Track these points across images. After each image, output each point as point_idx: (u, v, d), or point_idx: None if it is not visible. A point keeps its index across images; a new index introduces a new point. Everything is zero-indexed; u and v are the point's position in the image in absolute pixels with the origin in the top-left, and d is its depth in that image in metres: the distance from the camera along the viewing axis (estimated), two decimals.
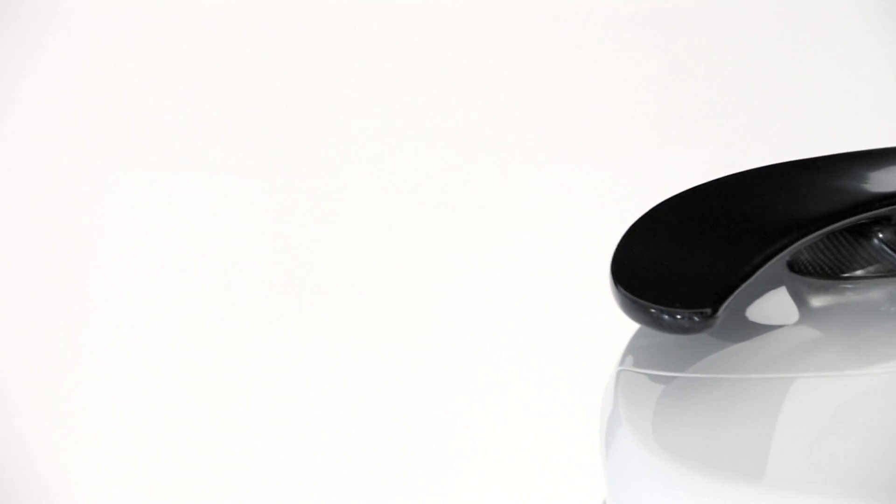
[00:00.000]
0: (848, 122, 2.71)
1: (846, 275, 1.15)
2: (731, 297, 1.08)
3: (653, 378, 1.19)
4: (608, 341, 1.33)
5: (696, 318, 1.15)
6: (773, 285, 1.15)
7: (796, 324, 1.20)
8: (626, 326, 1.20)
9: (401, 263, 2.52)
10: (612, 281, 1.10)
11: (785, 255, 1.09)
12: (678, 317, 1.15)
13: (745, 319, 1.19)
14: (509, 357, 2.36)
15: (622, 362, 1.20)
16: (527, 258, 2.49)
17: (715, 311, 1.09)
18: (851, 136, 2.64)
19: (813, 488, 1.19)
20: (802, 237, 1.09)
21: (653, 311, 1.11)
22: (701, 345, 1.20)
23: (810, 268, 1.15)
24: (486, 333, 2.40)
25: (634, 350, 1.21)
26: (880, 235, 1.14)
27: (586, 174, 2.68)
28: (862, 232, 1.14)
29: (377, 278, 2.49)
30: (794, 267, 1.15)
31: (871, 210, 1.11)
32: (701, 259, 1.10)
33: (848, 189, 1.12)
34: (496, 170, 2.65)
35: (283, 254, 2.52)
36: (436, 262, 2.50)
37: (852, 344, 1.19)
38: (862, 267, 1.15)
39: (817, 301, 1.17)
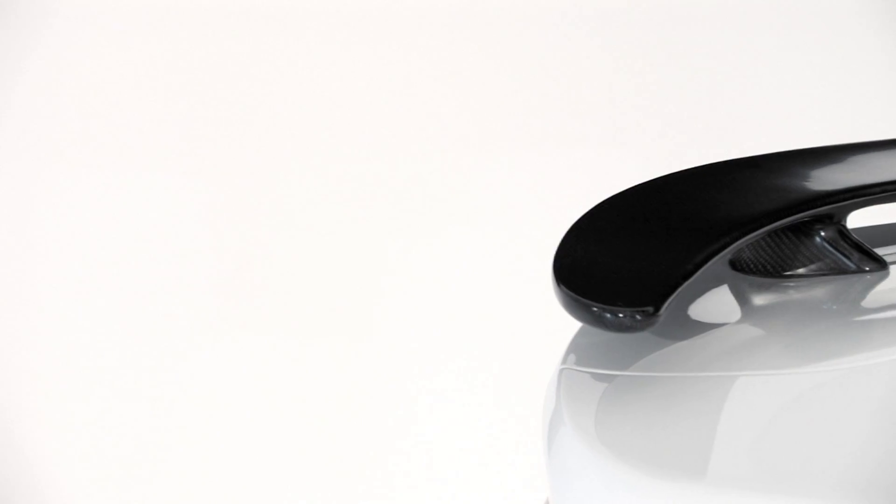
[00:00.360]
0: (793, 120, 2.72)
1: (788, 273, 1.15)
2: (674, 296, 1.08)
3: (595, 377, 1.19)
4: (550, 340, 1.32)
5: (639, 317, 1.15)
6: (716, 283, 1.16)
7: (738, 322, 1.20)
8: (569, 325, 1.20)
9: (346, 260, 2.51)
10: (555, 279, 1.09)
11: (727, 253, 1.09)
12: (620, 315, 1.15)
13: (688, 318, 1.20)
14: (451, 356, 2.36)
15: (564, 361, 1.20)
16: (469, 257, 2.49)
17: (657, 309, 1.09)
18: (798, 134, 2.66)
19: (755, 486, 1.19)
20: (744, 235, 1.09)
21: (595, 309, 1.10)
22: (643, 343, 1.20)
23: (752, 266, 1.15)
24: (429, 333, 2.40)
25: (577, 349, 1.20)
26: (822, 233, 1.15)
27: (528, 173, 2.69)
28: (804, 230, 1.15)
29: (322, 276, 2.48)
30: (737, 265, 1.15)
31: (812, 208, 1.11)
32: (643, 257, 1.10)
33: (790, 187, 1.12)
34: (439, 168, 2.64)
35: (227, 252, 2.50)
36: (381, 260, 2.50)
37: (794, 342, 1.20)
38: (804, 265, 1.16)
39: (759, 299, 1.17)
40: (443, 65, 2.76)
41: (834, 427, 1.20)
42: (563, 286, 1.09)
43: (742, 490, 1.18)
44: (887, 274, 1.16)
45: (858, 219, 1.19)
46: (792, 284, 1.16)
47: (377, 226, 2.54)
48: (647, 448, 1.19)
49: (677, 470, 1.20)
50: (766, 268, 1.16)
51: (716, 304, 1.17)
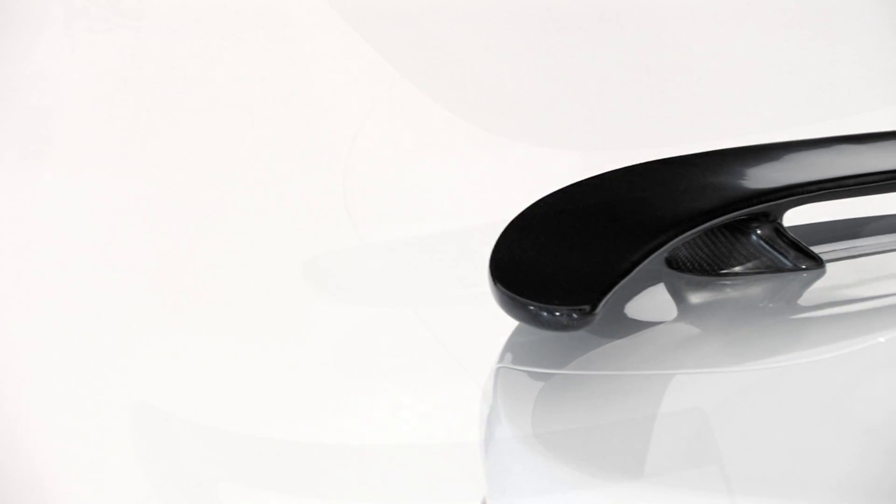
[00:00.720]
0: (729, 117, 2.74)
1: (724, 271, 1.15)
2: (610, 295, 1.08)
3: (532, 375, 1.18)
4: (487, 339, 1.31)
5: (575, 316, 1.15)
6: (652, 282, 1.15)
7: (675, 320, 1.20)
8: (506, 324, 1.19)
9: (281, 258, 2.49)
10: (491, 278, 1.08)
11: (663, 251, 1.09)
12: (557, 314, 1.15)
13: (624, 316, 1.19)
14: (389, 354, 2.35)
15: (501, 360, 1.19)
16: (405, 255, 2.48)
17: (593, 308, 1.09)
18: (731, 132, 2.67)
19: (692, 483, 1.20)
20: (680, 234, 1.09)
21: (531, 308, 1.10)
22: (580, 342, 1.20)
23: (689, 264, 1.15)
24: (366, 330, 2.38)
25: (513, 347, 1.20)
26: (758, 232, 1.15)
27: (465, 171, 2.68)
28: (740, 228, 1.15)
29: (256, 277, 2.46)
30: (673, 263, 1.15)
31: (748, 207, 1.11)
32: (579, 256, 1.09)
33: (726, 186, 1.13)
34: (376, 165, 2.63)
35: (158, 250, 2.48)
36: (318, 255, 2.48)
37: (730, 340, 1.20)
38: (740, 263, 1.16)
39: (696, 297, 1.17)
40: (377, 63, 2.75)
41: (770, 424, 1.20)
42: (499, 285, 1.08)
43: (679, 488, 1.18)
44: (824, 272, 1.16)
45: (797, 216, 1.20)
46: (728, 283, 1.16)
47: (317, 223, 2.53)
48: (583, 446, 1.19)
49: (613, 468, 1.20)
50: (703, 266, 1.15)
51: (652, 302, 1.17)
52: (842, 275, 1.18)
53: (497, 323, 1.20)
